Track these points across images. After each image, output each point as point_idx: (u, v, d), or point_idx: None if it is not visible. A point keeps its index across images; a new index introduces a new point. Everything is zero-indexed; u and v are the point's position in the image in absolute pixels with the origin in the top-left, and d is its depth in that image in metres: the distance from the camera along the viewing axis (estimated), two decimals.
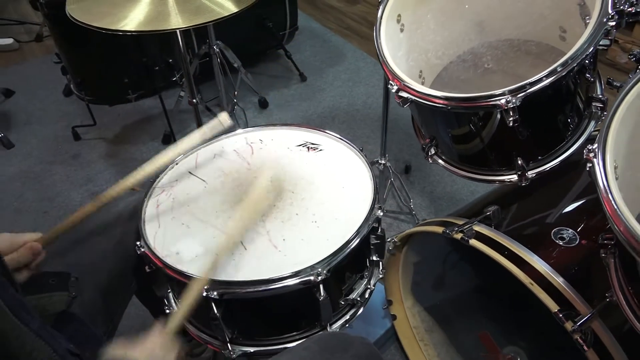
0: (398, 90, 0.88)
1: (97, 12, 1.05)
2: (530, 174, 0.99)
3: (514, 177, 0.99)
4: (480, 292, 1.44)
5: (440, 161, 1.10)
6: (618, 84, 0.97)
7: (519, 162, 0.96)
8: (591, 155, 0.67)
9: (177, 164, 1.04)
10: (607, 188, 0.63)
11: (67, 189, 2.12)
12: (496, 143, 0.96)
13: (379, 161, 1.75)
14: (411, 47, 1.04)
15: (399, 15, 0.99)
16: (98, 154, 2.30)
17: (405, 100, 0.90)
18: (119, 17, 1.04)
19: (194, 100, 1.46)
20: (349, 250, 0.82)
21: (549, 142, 0.98)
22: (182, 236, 0.88)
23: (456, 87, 1.14)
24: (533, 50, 1.13)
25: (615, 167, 0.68)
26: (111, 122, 2.46)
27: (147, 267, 0.88)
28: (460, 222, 1.04)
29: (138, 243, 0.87)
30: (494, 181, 1.04)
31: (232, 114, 2.25)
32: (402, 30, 1.01)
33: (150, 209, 0.94)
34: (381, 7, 0.96)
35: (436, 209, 1.89)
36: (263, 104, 2.52)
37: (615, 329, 0.85)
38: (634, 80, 0.70)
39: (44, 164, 2.25)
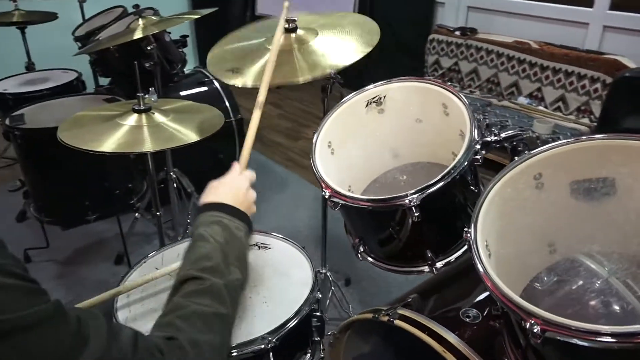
0: (330, 196, 1.13)
1: (83, 138, 1.27)
2: (439, 264, 1.22)
3: (426, 268, 1.23)
4: None
5: (369, 259, 1.32)
6: None
7: (429, 254, 1.20)
8: (467, 235, 0.92)
9: (145, 262, 1.21)
10: (478, 256, 0.87)
11: None
12: (409, 239, 1.20)
13: (320, 270, 1.95)
14: (341, 167, 1.32)
15: (330, 142, 1.28)
16: (47, 275, 2.36)
17: (336, 204, 1.14)
18: (102, 142, 1.27)
19: (158, 213, 1.64)
20: (294, 323, 1.00)
21: (451, 238, 1.23)
22: (151, 319, 1.02)
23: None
24: (436, 170, 1.44)
25: (487, 245, 0.93)
26: (64, 244, 2.55)
27: None
28: (386, 308, 1.23)
29: None
30: (411, 272, 1.26)
31: (185, 235, 2.42)
32: (332, 153, 1.29)
33: (120, 300, 1.09)
34: (316, 135, 1.25)
35: None
36: None
37: None
38: (494, 181, 0.98)
39: None
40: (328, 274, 1.97)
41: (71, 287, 2.29)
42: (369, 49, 1.32)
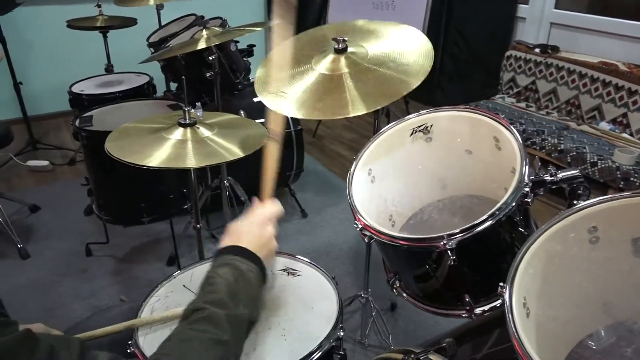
0: (362, 229, 1.07)
1: (129, 149, 1.30)
2: (479, 310, 1.13)
3: (464, 313, 1.13)
4: None
5: (404, 294, 1.25)
6: None
7: (467, 299, 1.11)
8: (503, 291, 0.83)
9: (174, 277, 1.21)
10: (511, 316, 0.78)
11: (70, 302, 2.25)
12: (446, 281, 1.12)
13: (361, 295, 1.88)
14: (381, 196, 1.26)
15: (370, 169, 1.22)
16: (105, 270, 2.46)
17: (369, 237, 1.09)
18: (147, 155, 1.29)
19: (198, 226, 1.66)
20: None
21: (493, 283, 1.13)
22: None
23: (424, 231, 1.34)
24: (488, 205, 1.33)
25: (524, 303, 0.84)
26: (123, 241, 2.66)
27: None
28: (418, 351, 1.15)
29: (130, 342, 1.00)
30: (448, 315, 1.17)
31: None
32: (372, 182, 1.23)
33: (145, 313, 1.09)
34: (354, 163, 1.19)
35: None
36: None
37: None
38: (539, 232, 0.88)
39: (54, 276, 2.41)
40: (370, 299, 1.90)
41: (125, 284, 2.37)
42: (423, 76, 1.24)
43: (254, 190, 2.84)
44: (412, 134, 1.22)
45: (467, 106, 1.17)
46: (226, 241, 0.93)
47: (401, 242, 1.03)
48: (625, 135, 3.11)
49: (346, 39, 1.30)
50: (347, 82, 1.27)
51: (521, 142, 1.04)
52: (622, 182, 2.68)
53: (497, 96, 3.82)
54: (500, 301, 1.13)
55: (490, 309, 1.14)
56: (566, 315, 0.93)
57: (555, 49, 3.55)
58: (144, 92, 2.75)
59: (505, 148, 1.11)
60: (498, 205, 0.98)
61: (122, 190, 2.18)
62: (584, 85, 3.33)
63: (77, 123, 2.15)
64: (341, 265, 2.49)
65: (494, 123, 1.12)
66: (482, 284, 1.12)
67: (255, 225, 0.95)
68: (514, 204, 0.98)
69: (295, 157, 2.90)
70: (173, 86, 3.17)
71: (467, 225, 0.97)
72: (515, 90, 3.78)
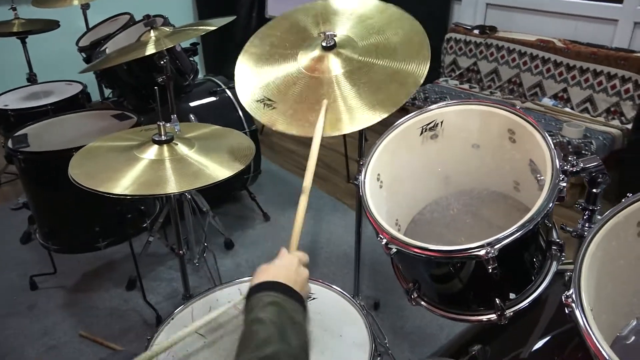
0: (387, 243, 0.98)
1: (98, 176, 1.12)
2: (508, 312, 1.07)
3: (493, 317, 1.07)
4: None
5: (422, 303, 1.17)
6: (570, 229, 1.13)
7: (497, 302, 1.05)
8: (569, 300, 0.76)
9: (172, 319, 1.05)
10: (589, 330, 0.72)
11: (21, 345, 1.99)
12: (474, 285, 1.05)
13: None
14: (389, 200, 1.17)
15: (379, 175, 1.12)
16: (56, 304, 2.21)
17: (394, 251, 0.99)
18: (119, 181, 1.11)
19: (181, 252, 1.50)
20: None
21: (520, 282, 1.08)
22: None
23: (428, 231, 1.26)
24: (493, 198, 1.29)
25: (591, 309, 0.78)
26: (72, 269, 2.40)
27: None
28: None
29: None
30: (474, 321, 1.11)
31: (201, 257, 2.27)
32: (381, 187, 1.14)
33: None
34: (363, 170, 1.09)
35: (410, 344, 1.92)
36: (229, 245, 2.57)
37: None
38: (592, 233, 0.83)
39: None
40: (363, 305, 1.81)
41: (83, 317, 2.14)
42: (423, 76, 1.15)
43: (215, 200, 2.66)
44: (421, 133, 1.14)
45: (479, 99, 1.10)
46: (260, 277, 0.81)
47: (437, 254, 0.94)
48: (567, 109, 3.23)
49: (335, 34, 1.19)
50: (340, 88, 1.16)
51: (545, 133, 0.99)
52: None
53: (441, 79, 3.85)
54: (529, 300, 1.08)
55: (518, 311, 1.09)
56: (615, 310, 0.89)
57: (493, 29, 3.62)
58: (79, 102, 2.49)
59: (522, 140, 1.06)
60: (536, 208, 0.91)
61: (73, 215, 1.94)
62: (524, 63, 3.42)
63: (9, 144, 1.88)
64: (315, 268, 2.39)
65: (509, 115, 1.06)
66: (512, 285, 1.06)
67: (289, 264, 0.87)
68: (551, 205, 0.92)
69: (252, 160, 2.75)
70: (107, 92, 2.90)
71: (509, 231, 0.90)
72: (458, 72, 3.82)
